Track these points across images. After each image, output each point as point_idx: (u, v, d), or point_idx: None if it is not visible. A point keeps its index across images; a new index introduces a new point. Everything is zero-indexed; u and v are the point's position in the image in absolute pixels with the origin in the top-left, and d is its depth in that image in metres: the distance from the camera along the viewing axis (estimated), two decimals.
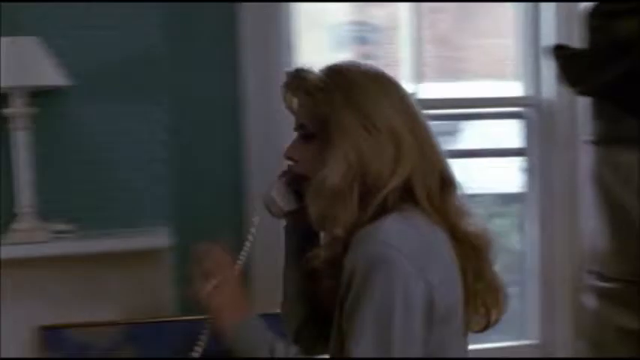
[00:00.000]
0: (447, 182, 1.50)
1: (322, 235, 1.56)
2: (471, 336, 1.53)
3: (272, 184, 1.62)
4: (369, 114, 1.44)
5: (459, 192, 1.52)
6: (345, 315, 1.38)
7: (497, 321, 1.53)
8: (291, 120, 1.62)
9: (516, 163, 3.00)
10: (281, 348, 1.43)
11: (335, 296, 1.43)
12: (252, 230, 1.61)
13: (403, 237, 1.37)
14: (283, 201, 1.59)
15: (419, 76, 2.83)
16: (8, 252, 2.24)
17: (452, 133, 3.03)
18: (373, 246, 1.36)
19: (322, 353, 1.63)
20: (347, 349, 1.35)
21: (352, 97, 1.45)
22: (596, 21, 2.00)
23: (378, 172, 1.42)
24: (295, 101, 1.56)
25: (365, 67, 1.53)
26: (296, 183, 1.56)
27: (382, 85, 1.50)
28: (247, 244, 1.60)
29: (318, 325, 1.62)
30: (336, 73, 1.51)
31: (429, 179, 1.45)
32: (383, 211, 1.42)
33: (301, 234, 1.63)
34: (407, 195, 1.44)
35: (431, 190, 1.45)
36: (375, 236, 1.37)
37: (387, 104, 1.46)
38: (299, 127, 1.55)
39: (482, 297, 1.48)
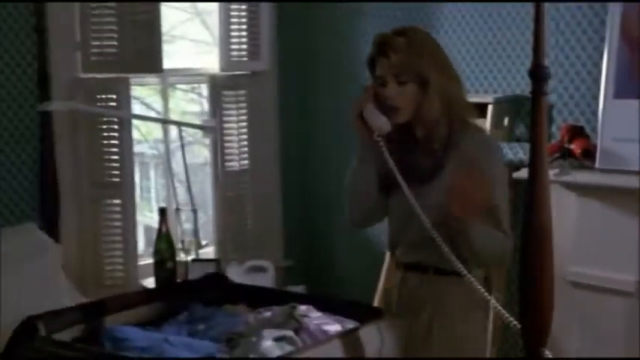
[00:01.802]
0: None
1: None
2: None
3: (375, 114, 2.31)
4: (441, 64, 2.30)
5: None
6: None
7: None
8: None
9: None
10: None
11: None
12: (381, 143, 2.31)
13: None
14: (384, 124, 2.30)
15: None
16: None
17: None
18: (491, 140, 2.42)
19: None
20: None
21: (431, 54, 2.28)
22: None
23: (457, 103, 2.30)
24: (388, 60, 2.28)
25: (425, 30, 2.42)
26: (387, 112, 2.29)
27: (437, 42, 2.37)
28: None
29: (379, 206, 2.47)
30: (413, 37, 2.29)
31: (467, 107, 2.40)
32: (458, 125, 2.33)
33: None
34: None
35: (468, 115, 2.38)
36: (487, 135, 2.51)
37: (445, 55, 2.35)
38: (395, 76, 2.27)
39: None
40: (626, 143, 3.10)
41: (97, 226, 3.73)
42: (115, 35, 3.68)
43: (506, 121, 3.47)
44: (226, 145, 4.20)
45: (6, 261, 3.11)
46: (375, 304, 2.91)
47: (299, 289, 4.11)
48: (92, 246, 3.72)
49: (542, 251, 1.93)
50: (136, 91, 4.36)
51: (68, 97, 3.59)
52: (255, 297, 2.40)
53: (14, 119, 3.51)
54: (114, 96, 3.71)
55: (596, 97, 3.28)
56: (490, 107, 3.48)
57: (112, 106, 3.71)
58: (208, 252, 4.13)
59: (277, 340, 1.95)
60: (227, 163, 4.21)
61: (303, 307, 2.16)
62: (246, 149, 4.26)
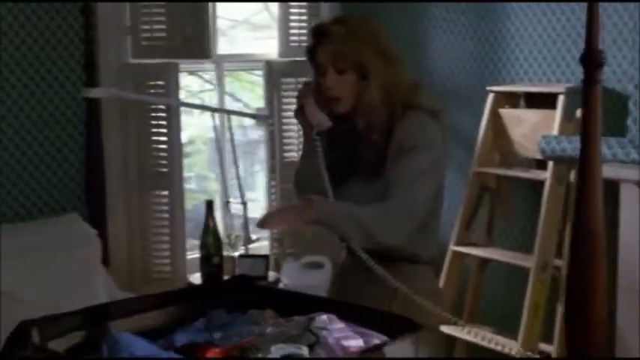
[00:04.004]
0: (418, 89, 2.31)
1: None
2: None
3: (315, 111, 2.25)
4: (382, 51, 2.22)
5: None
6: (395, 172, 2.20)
7: None
8: None
9: None
10: None
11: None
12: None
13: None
14: (323, 120, 2.24)
15: None
16: None
17: None
18: (420, 129, 2.22)
19: None
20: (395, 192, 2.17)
21: (370, 41, 2.21)
22: None
23: (397, 89, 2.22)
24: (326, 49, 2.20)
25: (366, 17, 2.32)
26: (328, 102, 2.24)
27: (382, 28, 2.28)
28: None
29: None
30: (352, 24, 2.22)
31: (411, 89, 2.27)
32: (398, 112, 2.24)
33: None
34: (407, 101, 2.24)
35: (413, 97, 2.26)
36: (420, 123, 2.22)
37: (389, 42, 2.26)
38: (333, 65, 2.20)
39: None
40: None
41: (145, 218, 3.61)
42: (164, 19, 3.53)
43: (578, 113, 3.17)
44: (285, 134, 4.01)
45: (43, 253, 3.02)
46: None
47: None
48: (139, 238, 3.60)
49: (593, 258, 1.69)
50: (208, 75, 4.20)
51: (116, 83, 3.47)
52: (283, 302, 2.21)
53: (61, 105, 3.41)
54: (162, 82, 3.57)
55: None
56: (561, 98, 3.20)
57: (161, 93, 3.57)
58: (264, 247, 3.96)
59: (285, 358, 1.75)
60: (285, 154, 4.03)
61: (323, 318, 1.95)
62: None
